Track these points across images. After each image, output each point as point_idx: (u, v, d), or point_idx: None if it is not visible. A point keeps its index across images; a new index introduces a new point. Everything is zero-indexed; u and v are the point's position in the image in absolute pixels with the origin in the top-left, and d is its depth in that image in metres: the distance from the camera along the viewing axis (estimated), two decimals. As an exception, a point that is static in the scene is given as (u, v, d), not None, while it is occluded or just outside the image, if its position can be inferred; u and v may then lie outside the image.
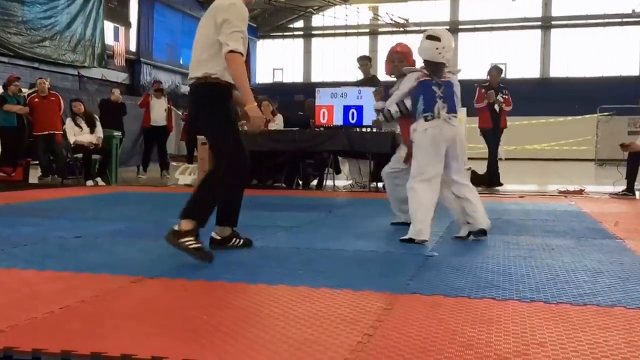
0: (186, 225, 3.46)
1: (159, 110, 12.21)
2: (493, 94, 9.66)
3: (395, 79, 5.24)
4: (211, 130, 3.64)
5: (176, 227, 3.49)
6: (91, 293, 2.83)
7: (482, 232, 4.51)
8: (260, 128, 3.68)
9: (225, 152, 3.60)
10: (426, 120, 4.40)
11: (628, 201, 7.87)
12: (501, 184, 9.80)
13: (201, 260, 3.45)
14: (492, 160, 9.96)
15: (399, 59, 5.18)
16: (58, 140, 10.41)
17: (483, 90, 9.75)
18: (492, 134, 9.92)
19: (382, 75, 7.29)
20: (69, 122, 9.99)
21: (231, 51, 3.47)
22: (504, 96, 9.72)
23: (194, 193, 3.62)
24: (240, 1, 3.64)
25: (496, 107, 9.68)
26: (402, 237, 4.33)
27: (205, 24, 3.66)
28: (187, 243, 3.42)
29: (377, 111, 5.09)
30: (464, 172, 4.53)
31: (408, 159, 4.74)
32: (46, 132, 10.41)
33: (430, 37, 4.43)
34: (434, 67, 4.46)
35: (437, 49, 4.41)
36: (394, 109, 4.79)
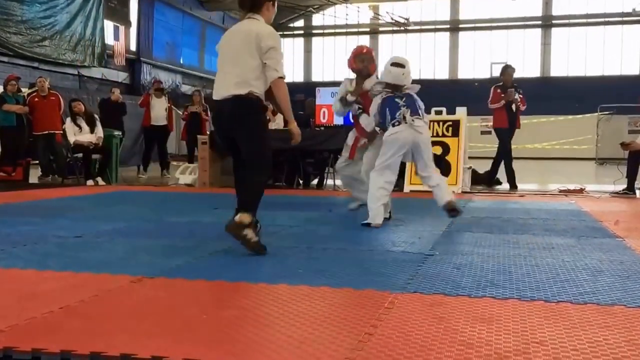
0: (246, 217, 3.78)
1: (159, 110, 12.20)
2: (513, 93, 9.45)
3: (354, 76, 5.77)
4: (256, 134, 4.14)
5: (237, 219, 3.78)
6: (91, 293, 2.83)
7: (452, 210, 5.31)
8: (298, 142, 4.39)
9: (265, 152, 4.17)
10: (393, 126, 5.21)
11: (628, 200, 7.86)
12: (500, 183, 9.78)
13: (257, 253, 3.79)
14: (508, 160, 9.65)
15: (369, 60, 5.75)
16: (58, 140, 10.41)
17: (499, 90, 9.55)
18: (507, 133, 9.67)
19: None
20: (68, 122, 9.98)
21: (280, 77, 4.00)
22: (519, 95, 9.55)
23: (244, 188, 4.01)
24: (272, 28, 4.15)
25: (513, 106, 9.49)
26: (362, 222, 5.16)
27: (243, 47, 3.99)
28: (249, 236, 3.78)
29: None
30: (430, 167, 5.39)
31: (353, 153, 5.82)
32: (46, 132, 10.41)
33: (396, 65, 5.37)
34: (396, 88, 5.35)
35: (403, 74, 5.35)
36: (372, 127, 5.56)
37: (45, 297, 2.76)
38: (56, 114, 10.63)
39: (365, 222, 5.17)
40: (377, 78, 5.69)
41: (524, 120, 10.14)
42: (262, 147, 4.19)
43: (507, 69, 9.88)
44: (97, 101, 13.65)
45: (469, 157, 9.86)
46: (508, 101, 9.48)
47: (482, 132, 24.34)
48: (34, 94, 10.72)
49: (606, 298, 2.81)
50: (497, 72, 26.91)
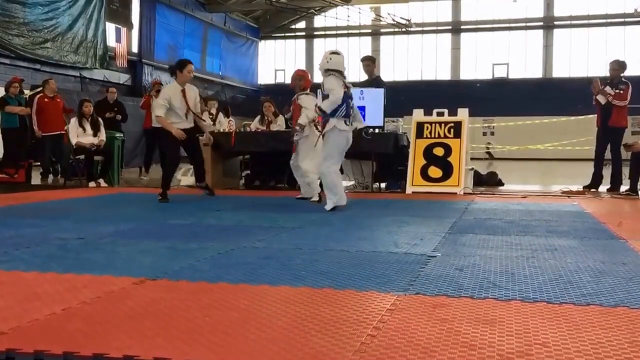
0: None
1: None
2: (598, 83, 8.96)
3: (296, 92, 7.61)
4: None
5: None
6: (93, 294, 2.83)
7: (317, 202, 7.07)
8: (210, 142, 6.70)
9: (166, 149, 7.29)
10: (345, 123, 6.48)
11: (631, 201, 7.85)
12: (503, 184, 9.76)
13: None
14: (598, 161, 9.17)
15: (302, 79, 7.65)
16: (65, 141, 10.47)
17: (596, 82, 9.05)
18: (599, 133, 9.19)
19: (385, 76, 7.83)
20: (73, 122, 10.00)
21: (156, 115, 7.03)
22: (616, 90, 8.88)
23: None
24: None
25: (599, 98, 8.95)
26: (327, 209, 6.31)
27: (192, 95, 7.45)
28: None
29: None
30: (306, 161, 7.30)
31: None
32: (56, 133, 10.45)
33: (336, 53, 6.67)
34: (341, 75, 6.57)
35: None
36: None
37: (47, 299, 2.76)
38: (61, 116, 10.68)
39: (330, 207, 6.34)
40: (310, 92, 7.53)
41: (526, 121, 10.06)
42: (167, 149, 7.14)
43: (612, 64, 9.28)
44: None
45: (471, 159, 9.85)
46: (597, 95, 8.91)
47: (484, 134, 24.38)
48: (41, 95, 10.73)
49: (609, 299, 2.80)
50: (499, 73, 27.32)
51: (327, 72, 6.38)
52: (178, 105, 7.22)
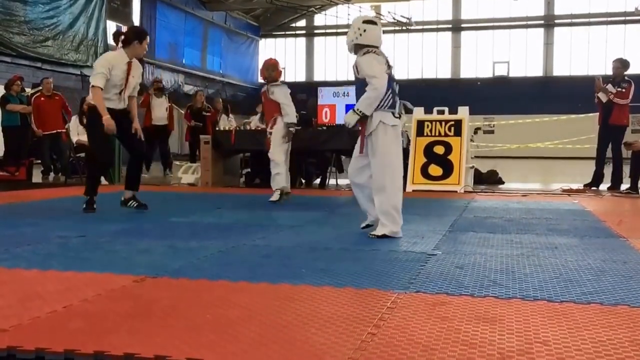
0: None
1: (159, 110, 12.19)
2: (600, 81, 8.86)
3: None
4: (88, 135, 6.39)
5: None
6: (94, 292, 2.84)
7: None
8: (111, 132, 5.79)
9: (94, 149, 6.21)
10: (394, 115, 4.69)
11: (632, 200, 7.85)
12: (503, 182, 9.76)
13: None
14: (599, 159, 9.14)
15: (273, 68, 7.10)
16: (63, 140, 10.48)
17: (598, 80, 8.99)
18: (600, 131, 9.12)
19: None
20: (74, 120, 10.02)
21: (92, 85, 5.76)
22: (618, 88, 8.80)
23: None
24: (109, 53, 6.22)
25: (601, 96, 8.87)
26: (376, 234, 4.51)
27: (137, 73, 6.20)
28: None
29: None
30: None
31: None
32: (54, 131, 10.47)
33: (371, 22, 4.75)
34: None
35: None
36: None
37: (48, 297, 2.76)
38: (60, 114, 10.69)
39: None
40: (281, 83, 7.10)
41: (527, 119, 10.03)
42: (92, 143, 6.03)
43: (615, 62, 9.22)
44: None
45: (474, 157, 9.85)
46: (599, 93, 8.87)
47: (485, 132, 24.35)
48: (38, 94, 10.76)
49: (610, 298, 2.80)
50: (499, 72, 27.27)
51: (360, 48, 4.58)
52: (118, 81, 5.89)
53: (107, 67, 5.82)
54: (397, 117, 4.56)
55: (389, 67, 4.58)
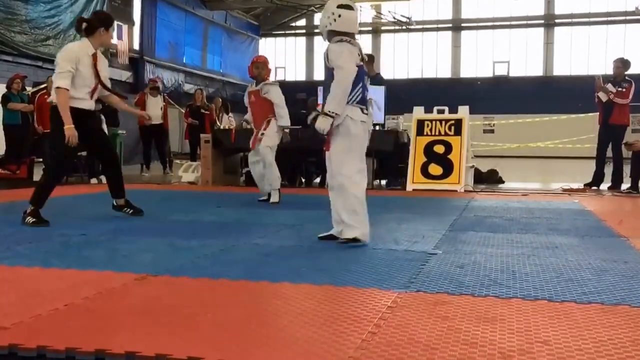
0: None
1: (154, 109, 12.16)
2: (600, 81, 8.83)
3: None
4: (50, 138, 5.46)
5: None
6: (95, 290, 2.84)
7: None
8: (73, 144, 4.97)
9: (52, 155, 5.27)
10: (362, 111, 4.34)
11: (632, 199, 7.85)
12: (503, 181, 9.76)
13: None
14: (599, 159, 9.13)
15: (263, 67, 6.98)
16: None
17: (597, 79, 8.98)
18: (601, 130, 9.12)
19: (385, 74, 7.46)
20: None
21: (56, 87, 4.98)
22: (618, 88, 8.80)
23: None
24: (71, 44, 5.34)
25: (601, 95, 8.87)
26: (341, 238, 4.21)
27: (104, 65, 5.30)
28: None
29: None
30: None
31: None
32: None
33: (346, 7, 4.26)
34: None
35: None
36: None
37: (49, 295, 2.76)
38: None
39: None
40: (276, 83, 7.04)
41: (527, 119, 10.03)
42: (52, 149, 5.06)
43: (616, 62, 9.22)
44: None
45: (473, 157, 9.84)
46: (599, 93, 8.85)
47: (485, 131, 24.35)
48: (42, 93, 10.74)
49: (610, 297, 2.80)
50: (499, 71, 27.25)
51: (331, 35, 4.22)
52: (88, 77, 5.09)
53: (73, 62, 4.97)
54: (365, 114, 4.26)
55: (362, 59, 4.25)
